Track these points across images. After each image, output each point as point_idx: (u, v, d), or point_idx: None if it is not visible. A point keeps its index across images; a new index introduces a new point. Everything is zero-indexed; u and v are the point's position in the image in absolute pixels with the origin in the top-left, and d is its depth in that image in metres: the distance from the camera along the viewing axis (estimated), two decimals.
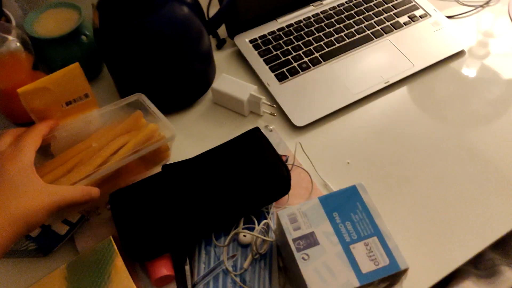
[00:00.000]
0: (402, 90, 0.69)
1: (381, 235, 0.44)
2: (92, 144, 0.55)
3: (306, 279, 0.42)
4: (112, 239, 0.52)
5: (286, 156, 0.61)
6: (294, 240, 0.44)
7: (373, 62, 0.71)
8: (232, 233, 0.52)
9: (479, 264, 0.61)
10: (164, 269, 0.50)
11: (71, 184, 0.50)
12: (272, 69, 0.71)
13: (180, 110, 0.68)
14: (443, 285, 0.55)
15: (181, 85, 0.65)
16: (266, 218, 0.54)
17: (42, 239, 0.54)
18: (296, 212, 0.46)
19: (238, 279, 0.50)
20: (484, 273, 0.59)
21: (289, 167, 0.60)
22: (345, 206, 0.46)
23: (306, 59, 0.71)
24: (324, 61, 0.71)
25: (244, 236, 0.52)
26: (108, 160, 0.54)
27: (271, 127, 0.64)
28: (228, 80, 0.66)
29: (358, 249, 0.43)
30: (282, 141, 0.63)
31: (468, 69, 0.72)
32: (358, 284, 0.41)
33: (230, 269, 0.50)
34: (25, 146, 0.46)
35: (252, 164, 0.53)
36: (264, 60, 0.72)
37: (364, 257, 0.42)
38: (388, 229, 0.44)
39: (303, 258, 0.43)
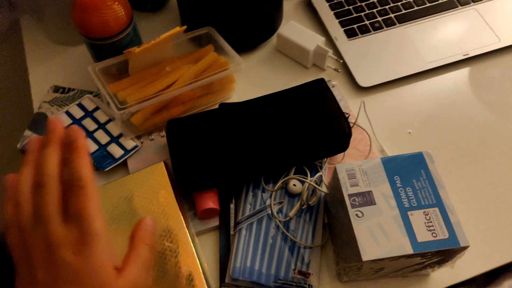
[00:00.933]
0: (482, 66, 0.64)
1: (444, 207, 0.42)
2: (166, 68, 0.58)
3: (357, 236, 0.40)
4: (163, 164, 0.53)
5: (347, 114, 0.59)
6: (350, 195, 0.43)
7: (453, 31, 0.66)
8: (282, 179, 0.52)
9: None
10: (210, 202, 0.51)
11: (139, 101, 0.52)
12: (342, 24, 0.67)
13: (243, 51, 0.67)
14: (495, 275, 0.53)
15: (247, 25, 0.63)
16: (318, 172, 0.53)
17: (97, 157, 0.56)
18: (356, 169, 0.44)
19: (281, 225, 0.50)
20: None
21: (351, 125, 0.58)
22: (409, 171, 0.44)
23: (379, 19, 0.67)
24: (398, 23, 0.67)
25: (294, 185, 0.51)
26: (175, 84, 0.56)
27: (333, 83, 0.62)
28: (296, 28, 0.64)
29: (416, 217, 0.41)
30: (344, 99, 0.60)
31: None
32: (411, 252, 0.39)
33: (275, 214, 0.50)
34: (91, 223, 0.29)
35: (314, 114, 0.52)
36: (335, 14, 0.69)
37: (422, 226, 0.40)
38: (452, 203, 0.42)
39: (356, 215, 0.41)
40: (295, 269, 0.48)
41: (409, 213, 0.41)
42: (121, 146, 0.57)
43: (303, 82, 0.57)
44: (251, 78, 0.65)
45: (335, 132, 0.51)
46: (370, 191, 0.43)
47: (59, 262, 0.28)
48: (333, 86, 0.62)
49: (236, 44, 0.65)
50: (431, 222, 0.41)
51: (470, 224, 0.51)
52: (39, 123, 0.58)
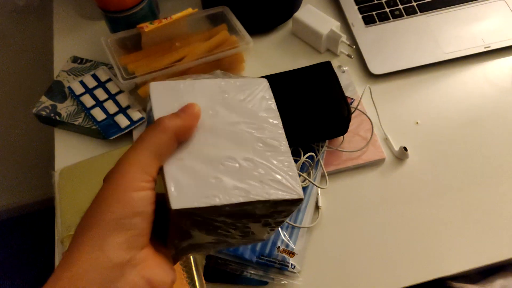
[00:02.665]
0: (505, 61, 0.61)
1: None
2: (176, 43, 0.59)
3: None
4: None
5: (352, 99, 0.58)
6: None
7: (477, 22, 0.63)
8: None
9: None
10: None
11: (145, 73, 0.53)
12: (361, 10, 0.66)
13: (259, 33, 0.67)
14: (491, 273, 0.50)
15: (265, 6, 0.63)
16: (317, 155, 0.52)
17: (104, 126, 0.58)
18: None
19: None
20: None
21: (352, 110, 0.56)
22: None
23: (400, 6, 0.65)
24: (420, 12, 0.64)
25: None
26: (183, 59, 0.57)
27: (344, 68, 0.61)
28: (312, 12, 0.63)
29: None
30: (352, 84, 0.59)
31: None
32: None
33: None
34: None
35: (315, 96, 0.51)
36: (355, 0, 0.67)
37: None
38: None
39: None
40: (279, 247, 0.47)
41: None
42: (128, 117, 0.59)
43: None
44: (263, 60, 0.65)
45: (334, 115, 0.50)
46: None
47: None
48: (343, 72, 0.60)
49: (252, 26, 0.65)
50: None
51: (467, 219, 0.49)
52: (55, 90, 0.61)
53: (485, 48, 0.60)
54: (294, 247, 0.47)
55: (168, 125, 0.27)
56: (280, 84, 0.53)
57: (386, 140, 0.55)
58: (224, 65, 0.60)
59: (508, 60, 0.61)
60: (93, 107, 0.59)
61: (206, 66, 0.59)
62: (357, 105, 0.55)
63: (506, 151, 0.54)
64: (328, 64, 0.54)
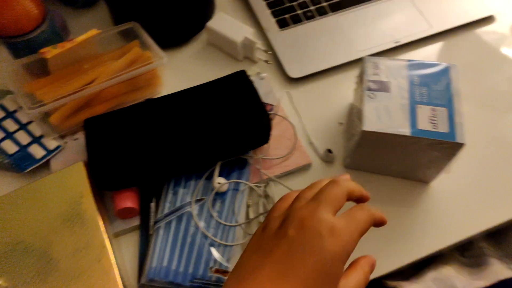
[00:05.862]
0: (414, 54, 0.63)
1: (452, 109, 0.46)
2: (84, 66, 0.56)
3: (364, 112, 0.46)
4: (83, 164, 0.52)
5: (272, 105, 0.58)
6: (368, 80, 0.49)
7: (385, 19, 0.65)
8: (205, 176, 0.51)
9: (466, 252, 0.57)
10: (128, 201, 0.49)
11: (54, 100, 0.51)
12: (274, 14, 0.66)
13: (174, 46, 0.65)
14: (423, 266, 0.52)
15: (177, 18, 0.61)
16: (245, 166, 0.52)
17: (17, 158, 0.54)
18: (381, 62, 0.50)
19: (200, 223, 0.49)
20: (470, 261, 0.55)
21: (274, 117, 0.57)
22: (430, 75, 0.49)
23: (312, 8, 0.66)
24: (332, 12, 0.66)
25: (219, 183, 0.50)
26: (94, 81, 0.54)
27: (263, 75, 0.61)
28: (225, 20, 0.62)
29: (423, 110, 0.46)
30: (272, 91, 0.59)
31: (496, 38, 0.65)
32: (409, 134, 0.44)
33: (194, 213, 0.49)
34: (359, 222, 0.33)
35: (233, 107, 0.51)
36: (267, 4, 0.67)
37: (426, 119, 0.45)
38: (462, 110, 0.48)
39: (369, 96, 0.48)
40: (212, 267, 0.46)
41: (417, 106, 0.47)
42: (43, 146, 0.55)
43: None
44: (181, 73, 0.63)
45: (253, 124, 0.49)
46: (389, 81, 0.49)
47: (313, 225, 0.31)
48: (262, 79, 0.60)
49: (165, 39, 0.64)
50: (435, 118, 0.46)
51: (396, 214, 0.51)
52: None
53: (395, 43, 0.63)
54: (228, 265, 0.47)
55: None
56: (197, 98, 0.52)
57: (311, 143, 0.56)
58: (140, 83, 0.58)
59: (417, 53, 0.63)
60: (2, 139, 0.55)
61: (121, 85, 0.56)
62: (278, 111, 0.56)
63: None
64: (242, 73, 0.54)
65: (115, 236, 0.51)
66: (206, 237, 0.48)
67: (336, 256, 0.30)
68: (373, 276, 0.48)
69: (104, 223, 0.48)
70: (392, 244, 0.49)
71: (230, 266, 0.47)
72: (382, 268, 0.48)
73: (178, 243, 0.48)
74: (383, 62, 0.50)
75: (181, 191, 0.51)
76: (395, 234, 0.50)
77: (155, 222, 0.49)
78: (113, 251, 0.47)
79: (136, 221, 0.51)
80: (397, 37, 0.63)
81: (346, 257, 0.31)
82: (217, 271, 0.46)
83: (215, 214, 0.50)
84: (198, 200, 0.50)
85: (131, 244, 0.50)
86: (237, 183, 0.51)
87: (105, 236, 0.47)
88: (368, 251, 0.48)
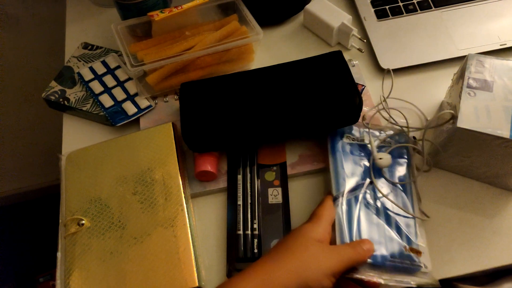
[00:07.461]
0: None
1: None
2: (186, 32, 0.59)
3: (461, 108, 0.44)
4: (172, 124, 0.54)
5: (363, 86, 0.57)
6: (470, 77, 0.47)
7: (493, 19, 0.61)
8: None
9: None
10: (208, 165, 0.51)
11: (153, 61, 0.53)
12: (374, 4, 0.65)
13: (270, 25, 0.66)
14: (500, 275, 0.49)
15: None
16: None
17: (112, 112, 0.58)
18: (487, 60, 0.48)
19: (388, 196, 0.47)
20: None
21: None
22: None
23: (414, 1, 0.64)
24: (435, 7, 0.63)
25: (381, 158, 0.48)
26: (192, 48, 0.57)
27: (354, 62, 0.60)
28: (324, 5, 0.62)
29: None
30: (362, 78, 0.58)
31: None
32: (507, 137, 0.42)
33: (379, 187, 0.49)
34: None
35: (326, 85, 0.50)
36: None
37: None
38: None
39: (468, 94, 0.46)
40: (406, 246, 0.44)
41: None
42: (136, 104, 0.59)
43: None
44: (273, 52, 0.64)
45: (345, 103, 0.49)
46: (493, 81, 0.46)
47: None
48: (353, 66, 0.60)
49: (263, 17, 0.65)
50: None
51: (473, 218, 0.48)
52: (65, 76, 0.62)
53: (500, 45, 0.59)
54: (418, 243, 0.44)
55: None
56: (291, 73, 0.53)
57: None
58: (233, 56, 0.60)
59: None
60: (101, 93, 0.60)
61: (216, 56, 0.58)
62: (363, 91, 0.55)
63: None
64: (339, 53, 0.53)
65: (192, 197, 0.52)
66: (389, 216, 0.46)
67: None
68: (445, 276, 0.46)
69: (183, 183, 0.50)
70: (469, 248, 0.47)
71: (420, 245, 0.45)
72: (455, 269, 0.46)
73: (364, 221, 0.45)
74: (490, 60, 0.48)
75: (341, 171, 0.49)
76: (473, 239, 0.47)
77: (335, 199, 0.47)
78: (187, 212, 0.49)
79: (213, 185, 0.52)
80: (504, 39, 0.59)
81: None
82: (411, 249, 0.44)
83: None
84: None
85: (206, 206, 0.52)
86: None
87: (183, 195, 0.49)
88: (444, 250, 0.46)
